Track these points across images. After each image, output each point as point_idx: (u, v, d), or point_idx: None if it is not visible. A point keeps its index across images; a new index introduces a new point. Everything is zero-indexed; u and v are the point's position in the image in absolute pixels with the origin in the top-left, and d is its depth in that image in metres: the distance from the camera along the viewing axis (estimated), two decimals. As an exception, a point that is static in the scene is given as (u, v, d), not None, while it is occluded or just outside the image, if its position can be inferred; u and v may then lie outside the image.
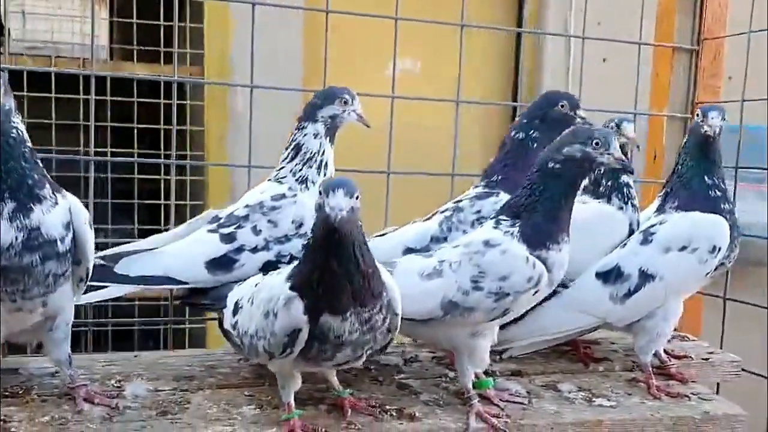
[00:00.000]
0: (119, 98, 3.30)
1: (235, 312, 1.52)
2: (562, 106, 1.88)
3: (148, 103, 3.44)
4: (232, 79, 3.30)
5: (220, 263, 1.68)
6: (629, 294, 1.78)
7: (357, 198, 1.27)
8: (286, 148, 1.81)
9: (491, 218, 1.62)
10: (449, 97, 2.33)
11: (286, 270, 1.42)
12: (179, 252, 1.71)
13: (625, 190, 1.94)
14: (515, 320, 1.71)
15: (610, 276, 1.80)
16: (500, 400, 1.66)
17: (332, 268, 1.31)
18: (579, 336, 1.93)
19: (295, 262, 1.42)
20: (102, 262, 1.66)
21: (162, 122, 3.33)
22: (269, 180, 1.81)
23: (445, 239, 1.77)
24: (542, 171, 1.56)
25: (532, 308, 1.68)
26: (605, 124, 2.01)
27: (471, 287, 1.55)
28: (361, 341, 1.38)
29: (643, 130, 2.58)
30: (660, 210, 1.89)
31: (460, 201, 1.87)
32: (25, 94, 2.79)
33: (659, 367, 1.90)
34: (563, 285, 1.76)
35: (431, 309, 1.56)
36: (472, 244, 1.59)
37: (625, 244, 1.84)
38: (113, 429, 1.43)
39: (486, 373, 1.70)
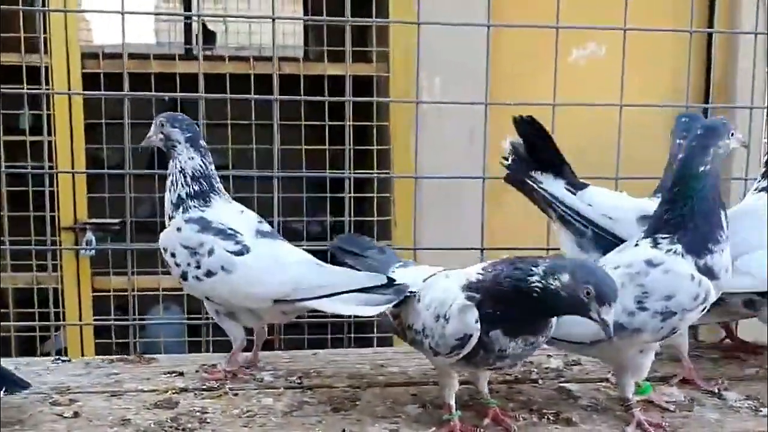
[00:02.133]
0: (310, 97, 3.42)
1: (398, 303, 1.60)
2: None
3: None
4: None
5: None
6: None
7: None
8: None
9: (644, 237, 1.63)
10: (636, 87, 2.32)
11: (461, 278, 1.48)
12: None
13: None
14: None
15: None
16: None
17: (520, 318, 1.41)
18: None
19: (476, 276, 1.46)
20: None
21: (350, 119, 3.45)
22: None
23: None
24: (691, 175, 1.57)
25: None
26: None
27: (636, 308, 1.54)
28: (523, 355, 1.48)
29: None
30: None
31: None
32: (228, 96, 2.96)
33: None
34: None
35: (598, 331, 1.47)
36: (634, 264, 1.58)
37: None
38: (293, 422, 1.60)
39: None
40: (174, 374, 1.84)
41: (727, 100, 3.47)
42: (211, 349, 2.94)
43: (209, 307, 1.80)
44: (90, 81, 3.37)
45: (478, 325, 1.41)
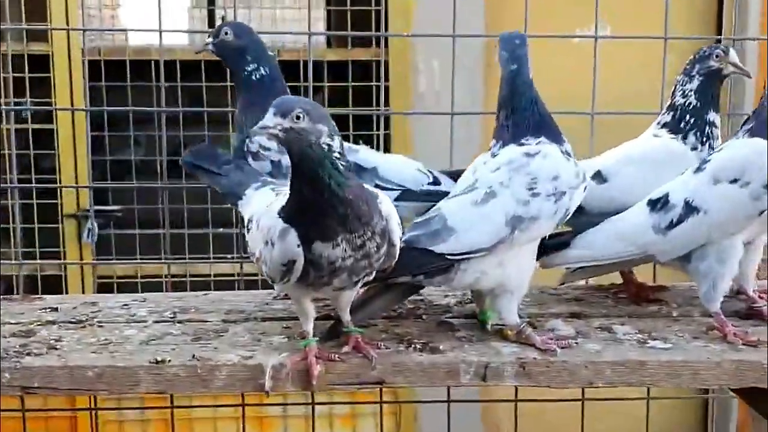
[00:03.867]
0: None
1: (248, 229, 1.56)
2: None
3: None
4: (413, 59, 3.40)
5: None
6: (671, 225, 1.61)
7: (298, 118, 1.29)
8: None
9: (503, 145, 1.61)
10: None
11: (280, 200, 1.45)
12: None
13: (706, 129, 1.80)
14: (564, 245, 1.70)
15: (657, 204, 1.64)
16: (544, 341, 1.58)
17: (307, 196, 1.35)
18: (628, 268, 1.84)
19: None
20: None
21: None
22: None
23: None
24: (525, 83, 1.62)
25: (581, 233, 1.67)
26: (702, 51, 1.86)
27: (529, 195, 1.55)
28: (357, 267, 1.40)
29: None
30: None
31: None
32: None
33: (749, 309, 1.72)
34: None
35: (497, 230, 1.53)
36: (514, 160, 1.58)
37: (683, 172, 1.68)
38: (146, 350, 1.55)
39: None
40: (48, 310, 1.81)
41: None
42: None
43: None
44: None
45: (301, 249, 1.36)
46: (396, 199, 1.75)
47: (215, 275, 3.38)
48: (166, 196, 2.30)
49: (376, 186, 1.71)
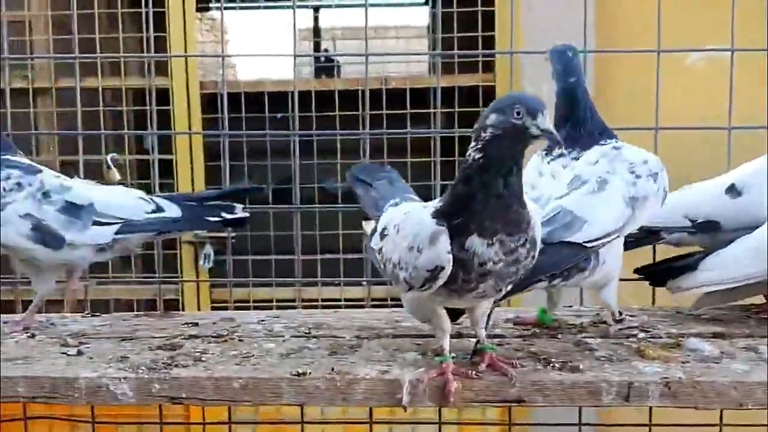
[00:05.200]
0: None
1: (382, 236, 1.56)
2: None
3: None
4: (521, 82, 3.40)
5: None
6: None
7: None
8: None
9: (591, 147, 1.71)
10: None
11: (432, 204, 1.45)
12: None
13: None
14: (691, 267, 1.70)
15: None
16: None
17: (479, 190, 1.34)
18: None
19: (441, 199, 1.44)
20: None
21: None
22: None
23: None
24: None
25: (709, 254, 1.61)
26: None
27: (634, 177, 1.63)
28: (504, 273, 1.38)
29: None
30: None
31: None
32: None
33: None
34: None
35: (621, 211, 1.61)
36: (607, 153, 1.68)
37: None
38: (286, 363, 1.58)
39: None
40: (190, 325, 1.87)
41: None
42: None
43: None
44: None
45: (450, 256, 1.36)
46: (117, 232, 1.77)
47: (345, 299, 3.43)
48: (298, 221, 2.33)
49: (95, 223, 1.75)
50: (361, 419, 2.16)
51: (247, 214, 1.85)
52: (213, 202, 1.86)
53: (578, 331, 1.75)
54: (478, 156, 1.35)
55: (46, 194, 1.74)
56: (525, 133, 1.33)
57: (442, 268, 1.37)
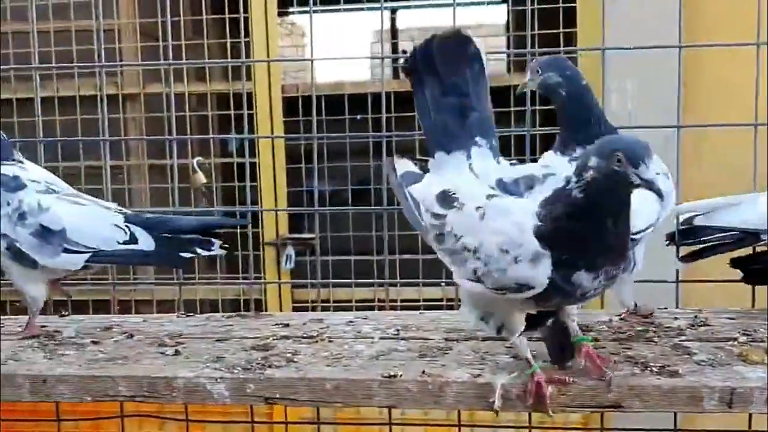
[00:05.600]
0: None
1: (446, 200, 1.46)
2: None
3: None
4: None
5: None
6: None
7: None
8: None
9: None
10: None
11: (532, 206, 1.36)
12: None
13: None
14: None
15: None
16: None
17: (606, 229, 1.30)
18: None
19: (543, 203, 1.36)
20: None
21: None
22: None
23: None
24: None
25: None
26: None
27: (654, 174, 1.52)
28: (598, 292, 1.37)
29: None
30: None
31: None
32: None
33: None
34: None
35: (655, 205, 1.63)
36: None
37: None
38: (376, 365, 1.58)
39: None
40: (280, 325, 1.89)
41: None
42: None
43: None
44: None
45: (546, 281, 1.32)
46: (87, 260, 1.76)
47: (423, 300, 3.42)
48: (385, 221, 2.34)
49: (65, 250, 1.74)
50: (442, 421, 2.15)
51: (224, 252, 1.82)
52: (191, 236, 1.81)
53: (676, 334, 1.70)
54: (579, 195, 1.30)
55: (21, 216, 1.76)
56: (625, 181, 1.28)
57: (533, 288, 1.34)
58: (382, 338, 1.76)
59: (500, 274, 1.36)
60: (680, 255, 1.92)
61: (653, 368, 1.49)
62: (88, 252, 1.78)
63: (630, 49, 2.04)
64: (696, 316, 1.80)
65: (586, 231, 1.31)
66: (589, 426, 2.40)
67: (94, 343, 1.78)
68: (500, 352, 1.63)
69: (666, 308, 1.91)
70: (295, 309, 3.63)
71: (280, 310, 3.58)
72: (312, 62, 2.41)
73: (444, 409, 1.54)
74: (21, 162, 1.87)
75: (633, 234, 1.51)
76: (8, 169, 1.82)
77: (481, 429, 2.53)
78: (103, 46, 2.44)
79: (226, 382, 1.52)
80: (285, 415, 2.64)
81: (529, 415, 2.03)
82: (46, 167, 1.95)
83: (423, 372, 1.51)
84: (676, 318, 1.80)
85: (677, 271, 2.01)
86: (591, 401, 1.45)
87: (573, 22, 3.40)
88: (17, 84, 3.69)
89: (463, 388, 1.48)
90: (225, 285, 3.63)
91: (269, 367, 1.57)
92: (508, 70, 4.31)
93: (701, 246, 1.84)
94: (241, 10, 3.45)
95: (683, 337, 1.67)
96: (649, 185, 1.28)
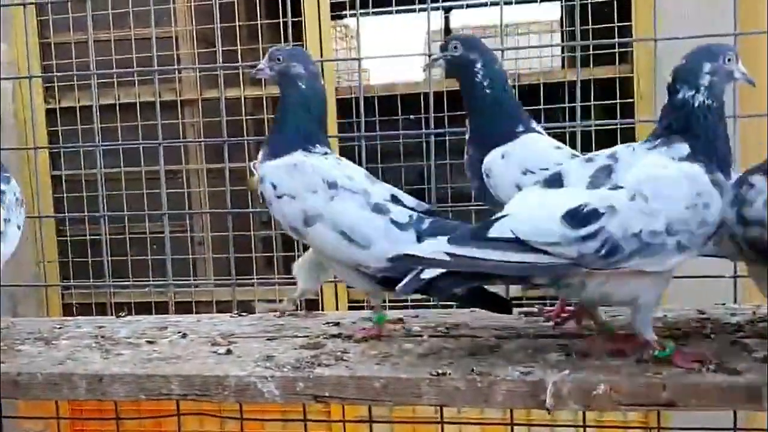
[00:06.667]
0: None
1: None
2: None
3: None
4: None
5: None
6: None
7: None
8: None
9: None
10: None
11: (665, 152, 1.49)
12: None
13: None
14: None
15: None
16: None
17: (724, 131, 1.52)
18: None
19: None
20: None
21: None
22: None
23: None
24: None
25: None
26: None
27: None
28: None
29: None
30: None
31: None
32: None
33: None
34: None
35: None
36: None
37: None
38: (425, 363, 1.58)
39: None
40: (331, 324, 1.90)
41: None
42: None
43: None
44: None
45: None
46: None
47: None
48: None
49: None
50: (499, 420, 2.13)
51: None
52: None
53: (734, 330, 1.65)
54: (707, 101, 1.48)
55: None
56: (731, 75, 1.51)
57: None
58: (431, 336, 1.75)
59: (702, 228, 1.44)
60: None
61: (710, 365, 1.45)
62: None
63: (683, 39, 1.97)
64: (754, 312, 1.74)
65: (720, 132, 1.50)
66: (649, 425, 2.34)
67: (149, 342, 1.82)
68: (551, 350, 1.61)
69: (723, 304, 1.85)
70: (350, 308, 3.65)
71: (336, 309, 3.61)
72: (359, 61, 2.41)
73: (494, 408, 1.52)
74: None
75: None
76: None
77: (537, 428, 2.50)
78: (155, 54, 2.49)
79: (276, 381, 1.54)
80: (343, 414, 2.66)
81: (584, 414, 2.00)
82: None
83: (472, 370, 1.50)
84: (733, 314, 1.74)
85: (735, 266, 1.95)
86: (645, 399, 1.41)
87: (628, 15, 3.34)
88: (80, 93, 3.82)
89: (513, 386, 1.46)
90: (282, 285, 3.66)
91: (319, 365, 1.58)
92: (564, 65, 4.27)
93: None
94: (290, 13, 3.46)
95: (741, 334, 1.62)
96: (746, 78, 1.54)
